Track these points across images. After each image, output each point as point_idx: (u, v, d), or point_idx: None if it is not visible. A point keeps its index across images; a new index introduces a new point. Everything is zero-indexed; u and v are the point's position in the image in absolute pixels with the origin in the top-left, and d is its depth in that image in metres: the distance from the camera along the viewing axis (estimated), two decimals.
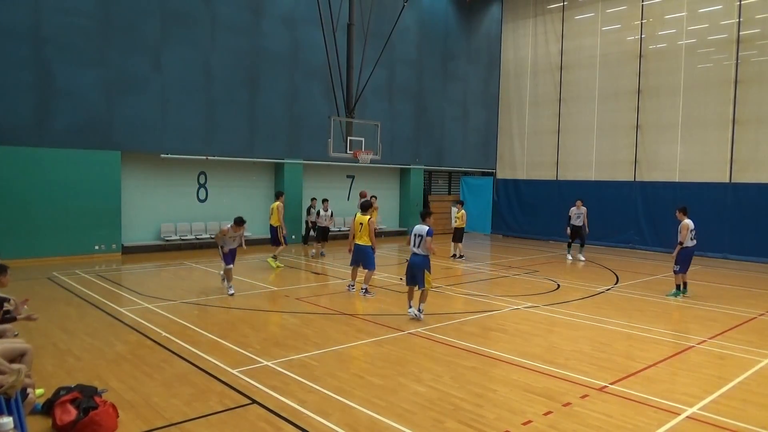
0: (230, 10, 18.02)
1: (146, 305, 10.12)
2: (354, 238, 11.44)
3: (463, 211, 17.20)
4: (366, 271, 11.42)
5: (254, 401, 5.81)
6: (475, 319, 9.60)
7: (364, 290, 11.34)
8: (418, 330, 8.72)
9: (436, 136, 25.08)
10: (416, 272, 9.44)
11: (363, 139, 17.23)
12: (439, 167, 25.72)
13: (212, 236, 18.37)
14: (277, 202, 15.18)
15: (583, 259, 17.31)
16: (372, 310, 10.05)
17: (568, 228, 17.29)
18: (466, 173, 27.08)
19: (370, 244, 11.31)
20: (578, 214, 17.16)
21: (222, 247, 11.16)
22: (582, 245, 17.48)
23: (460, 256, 17.04)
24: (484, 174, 26.68)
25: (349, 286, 11.83)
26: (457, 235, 17.10)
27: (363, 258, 11.40)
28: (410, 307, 9.63)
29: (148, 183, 17.45)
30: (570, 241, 17.51)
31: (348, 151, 16.79)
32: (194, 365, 6.91)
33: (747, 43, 18.09)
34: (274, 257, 14.99)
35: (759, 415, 5.75)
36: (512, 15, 25.07)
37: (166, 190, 17.81)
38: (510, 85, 25.15)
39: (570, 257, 17.58)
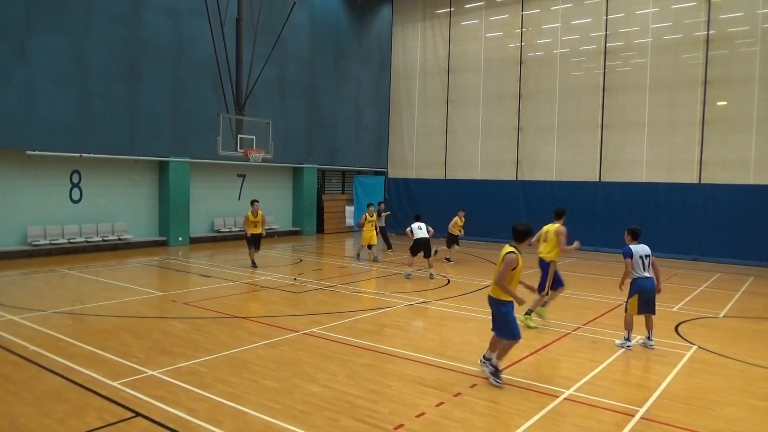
0: None
1: (11, 317, 9.16)
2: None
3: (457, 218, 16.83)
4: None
5: (138, 414, 5.46)
6: (369, 317, 9.68)
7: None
8: (313, 330, 8.65)
9: (329, 135, 25.03)
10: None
11: (254, 137, 16.79)
12: (332, 166, 25.70)
13: (87, 240, 17.08)
14: (557, 224, 9.37)
15: None
16: (265, 312, 9.83)
17: None
18: (359, 172, 27.29)
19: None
20: None
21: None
22: None
23: (447, 259, 17.12)
24: (376, 173, 27.03)
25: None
26: (454, 239, 16.89)
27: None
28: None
29: (12, 182, 15.79)
30: None
31: (238, 150, 16.29)
32: (69, 380, 6.35)
33: (612, 54, 19.89)
34: (529, 312, 9.22)
35: (625, 393, 6.34)
36: (402, 17, 25.64)
37: (33, 191, 16.20)
38: (400, 86, 25.71)
39: None
